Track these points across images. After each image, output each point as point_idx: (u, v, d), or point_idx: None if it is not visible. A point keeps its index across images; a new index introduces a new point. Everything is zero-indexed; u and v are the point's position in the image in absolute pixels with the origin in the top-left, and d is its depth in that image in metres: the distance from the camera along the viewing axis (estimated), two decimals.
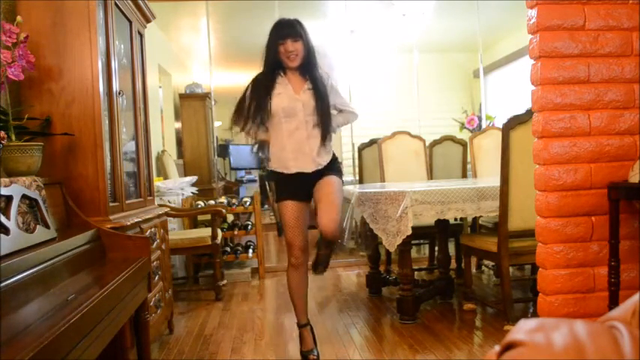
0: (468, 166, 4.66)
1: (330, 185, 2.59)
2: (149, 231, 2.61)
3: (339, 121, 2.80)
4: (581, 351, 0.67)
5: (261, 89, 2.62)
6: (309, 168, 2.60)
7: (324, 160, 2.65)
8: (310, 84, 2.63)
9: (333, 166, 2.69)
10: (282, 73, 2.64)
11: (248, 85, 2.70)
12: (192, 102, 6.13)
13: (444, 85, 6.94)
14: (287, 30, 2.59)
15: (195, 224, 4.80)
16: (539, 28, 2.06)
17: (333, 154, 2.72)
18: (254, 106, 2.61)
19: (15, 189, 1.65)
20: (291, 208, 2.60)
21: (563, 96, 2.07)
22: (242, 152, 8.43)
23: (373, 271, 3.96)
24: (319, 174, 2.62)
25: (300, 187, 2.61)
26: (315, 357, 2.62)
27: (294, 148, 2.59)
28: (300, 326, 2.67)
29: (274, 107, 2.58)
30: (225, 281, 4.34)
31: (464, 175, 4.64)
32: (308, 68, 2.65)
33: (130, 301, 1.88)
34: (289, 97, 2.60)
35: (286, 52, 2.58)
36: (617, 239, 2.05)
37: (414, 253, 4.15)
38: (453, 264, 3.88)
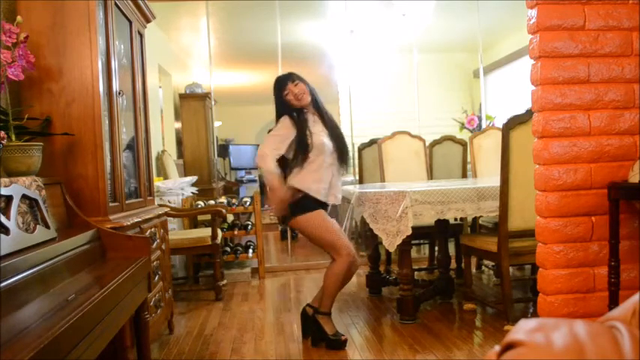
0: (468, 166, 4.66)
1: None
2: (149, 231, 2.61)
3: None
4: (581, 351, 0.67)
5: (303, 127, 2.85)
6: (335, 201, 2.95)
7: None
8: (329, 131, 2.91)
9: None
10: (308, 113, 2.90)
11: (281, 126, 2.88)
12: (192, 102, 6.13)
13: (444, 85, 6.94)
14: (285, 78, 2.90)
15: (195, 224, 4.80)
16: (539, 28, 2.06)
17: None
18: (301, 143, 2.83)
19: (15, 189, 1.65)
20: (325, 214, 2.87)
21: (563, 96, 2.07)
22: (242, 152, 8.44)
23: (373, 271, 3.96)
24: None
25: (322, 207, 2.90)
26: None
27: (329, 181, 2.89)
28: (330, 314, 2.90)
29: (318, 142, 2.84)
30: (225, 281, 4.34)
31: (464, 175, 4.64)
32: (320, 112, 2.93)
33: (130, 301, 1.88)
34: (326, 135, 2.89)
35: (292, 94, 2.85)
36: (617, 239, 2.05)
37: (414, 253, 4.16)
38: (453, 264, 3.88)
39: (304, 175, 2.82)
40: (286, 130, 2.83)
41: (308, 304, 2.98)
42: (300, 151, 2.82)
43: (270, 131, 2.92)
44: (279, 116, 2.91)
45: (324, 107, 2.97)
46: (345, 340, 2.82)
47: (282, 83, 2.89)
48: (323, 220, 2.83)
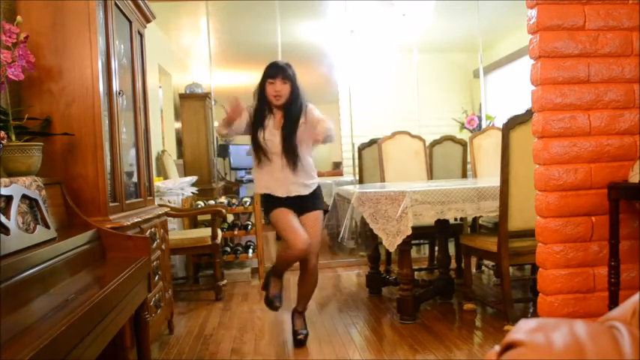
0: (468, 166, 4.66)
1: (312, 222, 2.96)
2: (149, 231, 2.61)
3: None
4: (581, 351, 0.67)
5: (256, 120, 2.92)
6: (283, 194, 2.92)
7: (300, 190, 2.94)
8: (283, 122, 2.91)
9: (316, 197, 3.02)
10: (269, 111, 2.92)
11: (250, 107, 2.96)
12: (192, 102, 6.12)
13: (444, 85, 6.93)
14: (278, 70, 2.87)
15: (195, 224, 4.80)
16: (539, 28, 2.06)
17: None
18: (249, 127, 2.93)
19: (15, 189, 1.65)
20: (281, 212, 2.89)
21: (563, 96, 2.07)
22: (242, 152, 8.42)
23: (373, 271, 3.96)
24: (301, 201, 2.94)
25: (284, 203, 2.92)
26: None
27: (272, 177, 2.92)
28: (277, 275, 3.08)
29: (260, 139, 2.90)
30: (225, 281, 4.34)
31: (464, 175, 4.64)
32: (290, 109, 2.90)
33: (130, 301, 1.88)
34: (270, 132, 2.90)
35: (274, 91, 2.85)
36: (617, 239, 2.05)
37: (414, 253, 4.15)
38: (453, 264, 3.88)
39: (257, 175, 2.98)
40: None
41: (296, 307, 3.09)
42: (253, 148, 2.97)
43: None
44: (257, 96, 2.95)
45: (296, 110, 2.91)
46: (276, 307, 3.02)
47: (273, 72, 2.88)
48: (277, 220, 2.91)
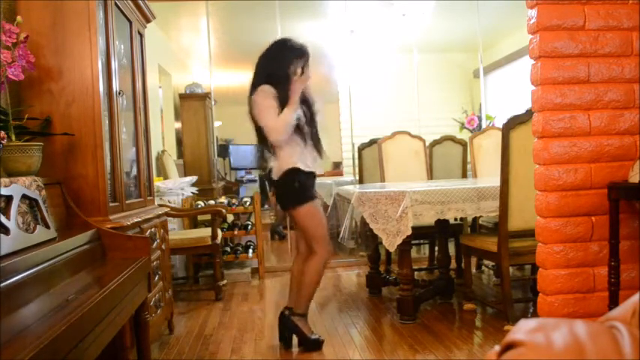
0: (468, 166, 4.66)
1: None
2: (149, 231, 2.61)
3: None
4: (581, 351, 0.67)
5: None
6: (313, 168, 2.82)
7: None
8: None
9: None
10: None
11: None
12: (192, 102, 6.12)
13: (444, 85, 6.93)
14: (307, 58, 2.80)
15: (195, 224, 4.80)
16: (539, 28, 2.06)
17: None
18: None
19: (15, 189, 1.65)
20: (318, 205, 2.83)
21: (563, 96, 2.07)
22: (242, 152, 8.43)
23: (373, 271, 3.96)
24: None
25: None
26: None
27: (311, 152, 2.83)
28: (307, 315, 2.86)
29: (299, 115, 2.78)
30: (225, 281, 4.34)
31: (464, 175, 4.64)
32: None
33: (130, 301, 1.88)
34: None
35: (305, 81, 2.77)
36: (617, 239, 2.05)
37: (414, 253, 4.15)
38: (453, 264, 3.88)
39: (298, 150, 2.74)
40: (274, 101, 2.71)
41: (286, 307, 2.90)
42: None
43: (251, 96, 2.79)
44: (269, 80, 2.73)
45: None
46: (323, 341, 2.82)
47: (305, 60, 2.78)
48: (318, 211, 2.79)
